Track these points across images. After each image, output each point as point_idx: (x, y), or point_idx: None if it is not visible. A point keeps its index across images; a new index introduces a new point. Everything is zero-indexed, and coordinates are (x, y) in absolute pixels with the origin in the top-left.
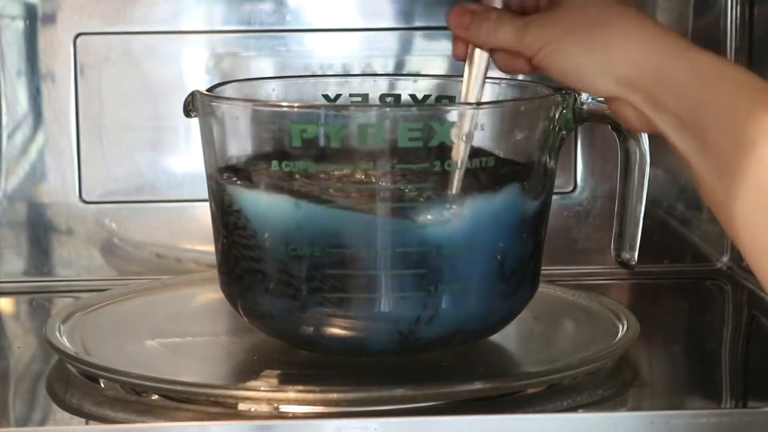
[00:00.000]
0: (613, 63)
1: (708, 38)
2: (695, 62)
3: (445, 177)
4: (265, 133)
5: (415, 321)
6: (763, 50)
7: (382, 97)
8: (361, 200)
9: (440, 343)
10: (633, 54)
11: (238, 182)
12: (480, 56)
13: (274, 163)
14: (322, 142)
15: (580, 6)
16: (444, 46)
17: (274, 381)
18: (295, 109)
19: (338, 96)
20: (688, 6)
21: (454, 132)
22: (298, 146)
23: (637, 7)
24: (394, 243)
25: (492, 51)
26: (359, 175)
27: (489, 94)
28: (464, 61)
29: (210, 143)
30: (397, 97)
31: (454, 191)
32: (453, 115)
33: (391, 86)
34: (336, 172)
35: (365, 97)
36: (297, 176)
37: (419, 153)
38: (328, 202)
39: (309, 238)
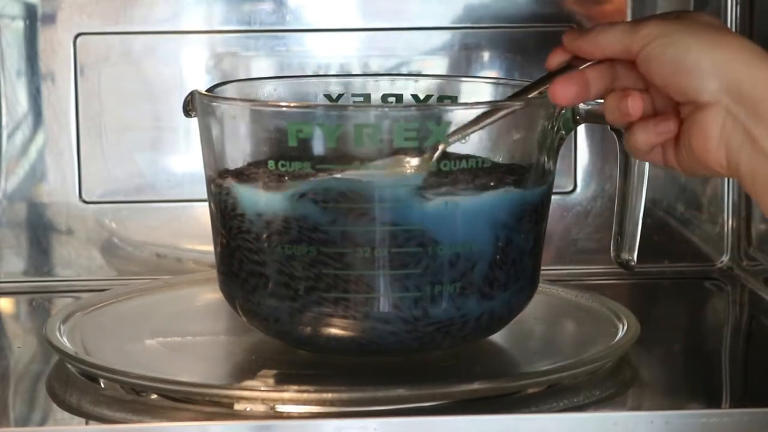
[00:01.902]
0: (729, 65)
1: None
2: None
3: (441, 177)
4: (262, 133)
5: (414, 321)
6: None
7: (384, 97)
8: (358, 200)
9: (439, 343)
10: (749, 63)
11: (237, 182)
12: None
13: (271, 162)
14: (318, 142)
15: (696, 16)
16: (444, 46)
17: (271, 381)
18: (291, 109)
19: (340, 96)
20: (687, 6)
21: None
22: (294, 146)
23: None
24: (391, 243)
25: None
26: (355, 175)
27: (488, 93)
28: (553, 69)
29: (209, 143)
30: (399, 97)
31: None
32: (448, 115)
33: (393, 86)
34: (333, 172)
35: (367, 97)
36: (293, 176)
37: (415, 153)
38: (324, 201)
39: (306, 238)
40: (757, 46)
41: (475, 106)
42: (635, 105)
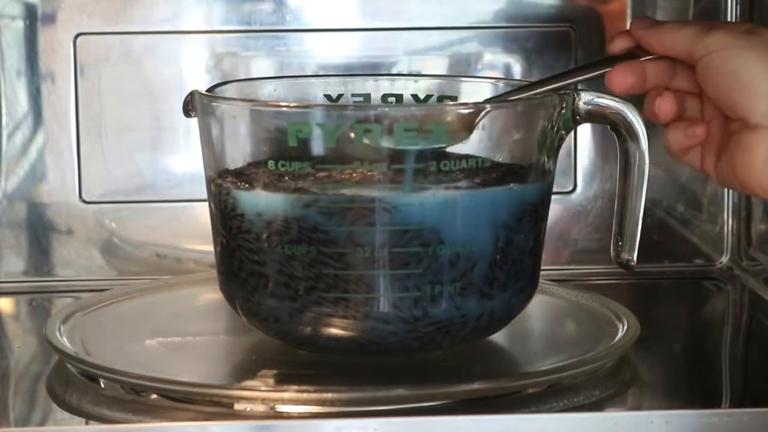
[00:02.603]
0: None
1: None
2: None
3: (440, 177)
4: (261, 133)
5: (414, 321)
6: None
7: (384, 96)
8: (357, 200)
9: (439, 343)
10: None
11: (236, 182)
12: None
13: (271, 163)
14: (317, 142)
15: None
16: (444, 46)
17: (271, 381)
18: (291, 109)
19: (340, 96)
20: (688, 5)
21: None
22: (294, 146)
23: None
24: (391, 243)
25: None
26: (355, 175)
27: (488, 93)
28: (615, 53)
29: (209, 143)
30: (399, 97)
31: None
32: (449, 114)
33: (393, 86)
34: (332, 172)
35: (367, 97)
36: (293, 176)
37: (415, 153)
38: (324, 201)
39: (306, 238)
40: None
41: (477, 106)
42: (664, 106)
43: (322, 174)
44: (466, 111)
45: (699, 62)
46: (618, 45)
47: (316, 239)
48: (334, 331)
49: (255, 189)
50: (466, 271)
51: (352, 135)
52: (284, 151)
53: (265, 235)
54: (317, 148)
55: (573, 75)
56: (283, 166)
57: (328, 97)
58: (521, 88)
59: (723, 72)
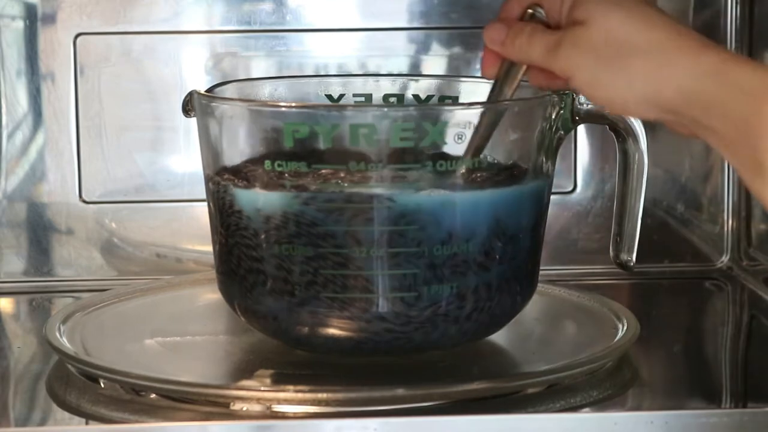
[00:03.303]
0: (653, 93)
1: (708, 37)
2: (736, 78)
3: (438, 177)
4: (259, 133)
5: (412, 320)
6: (763, 49)
7: (385, 97)
8: (354, 199)
9: (438, 343)
10: (672, 81)
11: (235, 182)
12: (516, 69)
13: (267, 162)
14: (314, 142)
15: (605, 23)
16: (444, 46)
17: (269, 381)
18: (288, 109)
19: (341, 96)
20: (688, 5)
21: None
22: (291, 146)
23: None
24: (388, 243)
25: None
26: (352, 175)
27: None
28: (492, 79)
29: (207, 142)
30: (400, 97)
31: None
32: (445, 115)
33: (393, 86)
34: (329, 172)
35: (368, 97)
36: (290, 176)
37: (412, 153)
38: (320, 200)
39: (304, 238)
40: (680, 37)
41: (473, 107)
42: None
43: (318, 174)
44: (463, 111)
45: (567, 83)
46: (488, 71)
47: (313, 239)
48: (331, 330)
49: (252, 188)
50: (464, 271)
51: (349, 135)
52: (281, 151)
53: (262, 235)
54: (314, 147)
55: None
56: (279, 165)
57: (329, 97)
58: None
59: (593, 99)
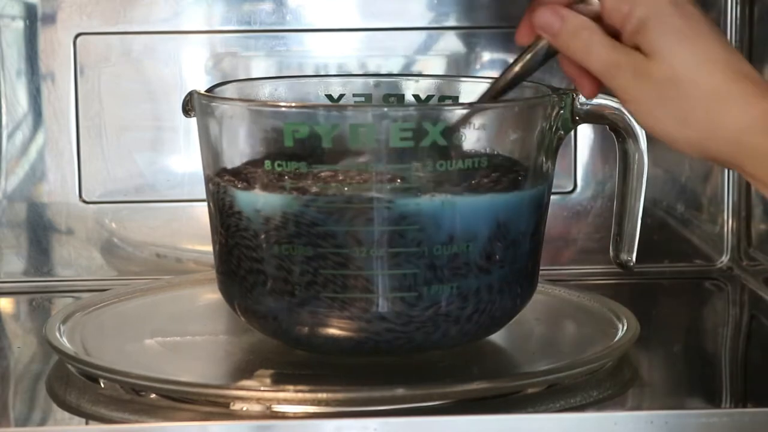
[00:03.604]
0: (704, 141)
1: None
2: None
3: (437, 177)
4: (259, 133)
5: (412, 320)
6: (763, 49)
7: (386, 97)
8: (354, 200)
9: (438, 343)
10: (725, 133)
11: (234, 182)
12: (542, 49)
13: (267, 163)
14: (314, 142)
15: (671, 61)
16: (444, 46)
17: (268, 381)
18: (287, 109)
19: (341, 96)
20: None
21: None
22: (291, 146)
23: None
24: (388, 243)
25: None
26: (352, 175)
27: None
28: (523, 45)
29: (207, 142)
30: (401, 97)
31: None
32: (445, 115)
33: (394, 86)
34: (328, 172)
35: (368, 97)
36: (290, 176)
37: (411, 153)
38: (321, 201)
39: (304, 238)
40: (737, 84)
41: (472, 107)
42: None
43: (318, 174)
44: (462, 111)
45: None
46: (523, 38)
47: (313, 239)
48: (331, 330)
49: (252, 188)
50: (464, 271)
51: (349, 135)
52: (281, 151)
53: (262, 235)
54: (314, 148)
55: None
56: (279, 165)
57: (329, 97)
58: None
59: (640, 124)
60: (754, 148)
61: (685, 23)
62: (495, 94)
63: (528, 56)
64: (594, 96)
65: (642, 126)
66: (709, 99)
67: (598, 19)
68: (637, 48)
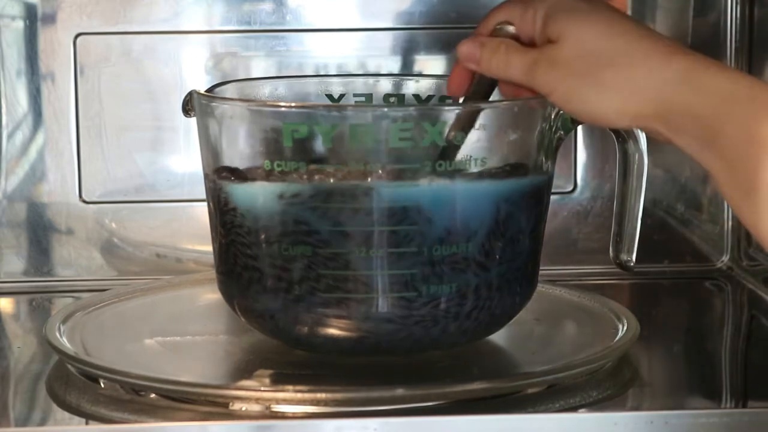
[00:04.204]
0: (626, 103)
1: (708, 38)
2: (706, 85)
3: (437, 177)
4: (258, 133)
5: (411, 320)
6: (763, 50)
7: (385, 97)
8: (353, 200)
9: (438, 343)
10: (643, 90)
11: (234, 181)
12: (488, 84)
13: (267, 162)
14: (313, 142)
15: (577, 38)
16: (444, 46)
17: (268, 381)
18: (287, 109)
19: (341, 96)
20: (687, 6)
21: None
22: (290, 146)
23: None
24: (387, 242)
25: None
26: (351, 175)
27: None
28: (458, 96)
29: (207, 142)
30: (401, 97)
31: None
32: (444, 115)
33: (394, 86)
34: (328, 172)
35: (368, 97)
36: (289, 176)
37: (411, 153)
38: (320, 201)
39: (302, 238)
40: (652, 45)
41: (470, 107)
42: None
43: (317, 173)
44: (462, 111)
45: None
46: (455, 88)
47: (312, 238)
48: (330, 329)
49: (251, 188)
50: (463, 272)
51: (348, 135)
52: (280, 151)
53: (261, 234)
54: (313, 148)
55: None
56: (279, 165)
57: (329, 96)
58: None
59: (569, 112)
60: (678, 104)
61: (581, 5)
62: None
63: (471, 92)
64: None
65: (571, 113)
66: (622, 64)
67: (517, 39)
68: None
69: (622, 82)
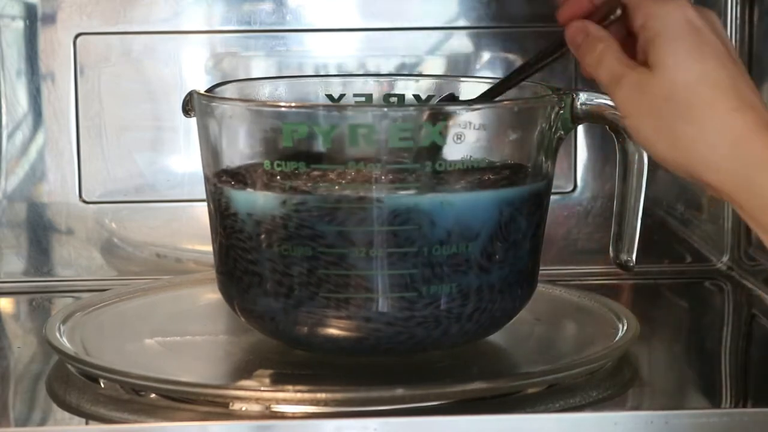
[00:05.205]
0: (694, 166)
1: None
2: (754, 151)
3: (437, 177)
4: (258, 133)
5: (411, 320)
6: (763, 50)
7: (386, 96)
8: (353, 200)
9: (438, 343)
10: (716, 160)
11: (234, 182)
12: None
13: (267, 163)
14: (313, 143)
15: (673, 77)
16: (444, 46)
17: (267, 381)
18: (287, 109)
19: (341, 96)
20: None
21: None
22: (290, 146)
23: None
24: (387, 243)
25: None
26: (351, 175)
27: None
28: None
29: (207, 142)
30: (401, 97)
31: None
32: (443, 115)
33: (394, 86)
34: (327, 172)
35: (368, 97)
36: (288, 176)
37: (410, 153)
38: (320, 202)
39: (302, 238)
40: (740, 115)
41: (471, 106)
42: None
43: (317, 174)
44: (461, 111)
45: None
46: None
47: (310, 239)
48: (329, 330)
49: (251, 188)
50: (463, 272)
51: (348, 135)
52: (280, 151)
53: (261, 235)
54: (313, 148)
55: (537, 62)
56: (278, 165)
57: (329, 97)
58: (497, 86)
59: (636, 141)
60: (758, 186)
61: (695, 43)
62: (510, 85)
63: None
64: None
65: (636, 142)
66: (704, 126)
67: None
68: (646, 63)
69: (695, 145)
